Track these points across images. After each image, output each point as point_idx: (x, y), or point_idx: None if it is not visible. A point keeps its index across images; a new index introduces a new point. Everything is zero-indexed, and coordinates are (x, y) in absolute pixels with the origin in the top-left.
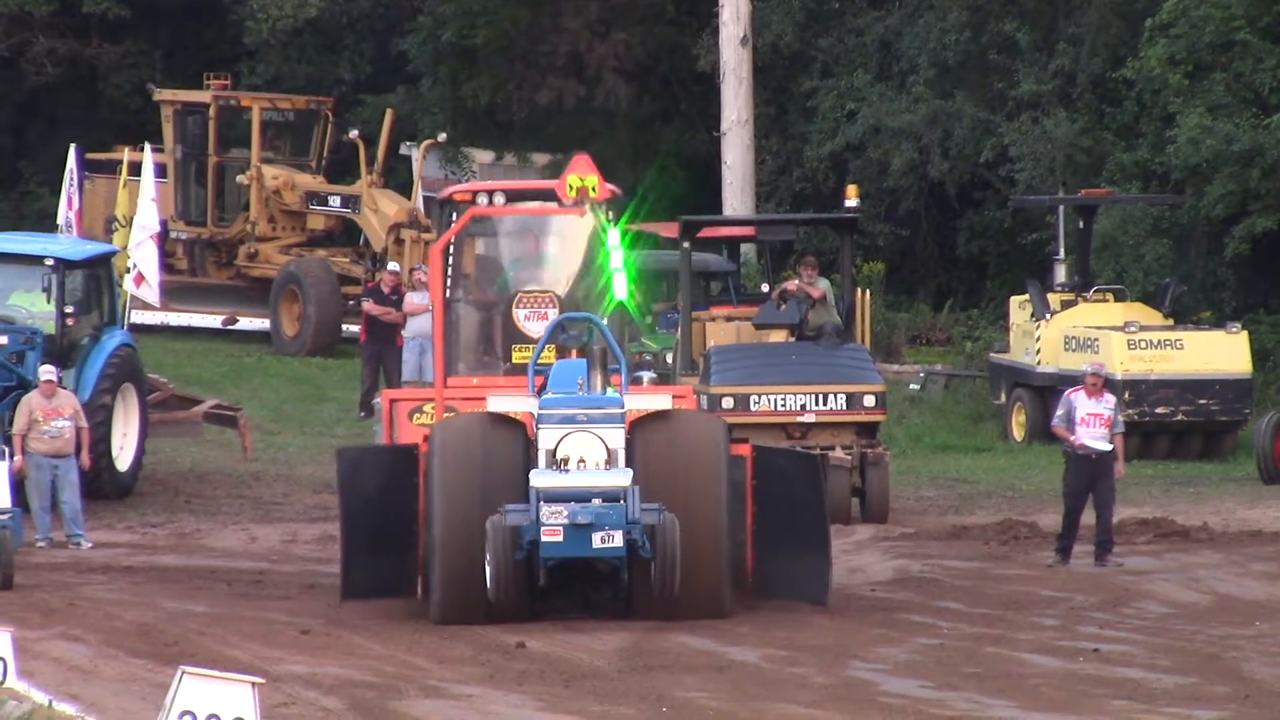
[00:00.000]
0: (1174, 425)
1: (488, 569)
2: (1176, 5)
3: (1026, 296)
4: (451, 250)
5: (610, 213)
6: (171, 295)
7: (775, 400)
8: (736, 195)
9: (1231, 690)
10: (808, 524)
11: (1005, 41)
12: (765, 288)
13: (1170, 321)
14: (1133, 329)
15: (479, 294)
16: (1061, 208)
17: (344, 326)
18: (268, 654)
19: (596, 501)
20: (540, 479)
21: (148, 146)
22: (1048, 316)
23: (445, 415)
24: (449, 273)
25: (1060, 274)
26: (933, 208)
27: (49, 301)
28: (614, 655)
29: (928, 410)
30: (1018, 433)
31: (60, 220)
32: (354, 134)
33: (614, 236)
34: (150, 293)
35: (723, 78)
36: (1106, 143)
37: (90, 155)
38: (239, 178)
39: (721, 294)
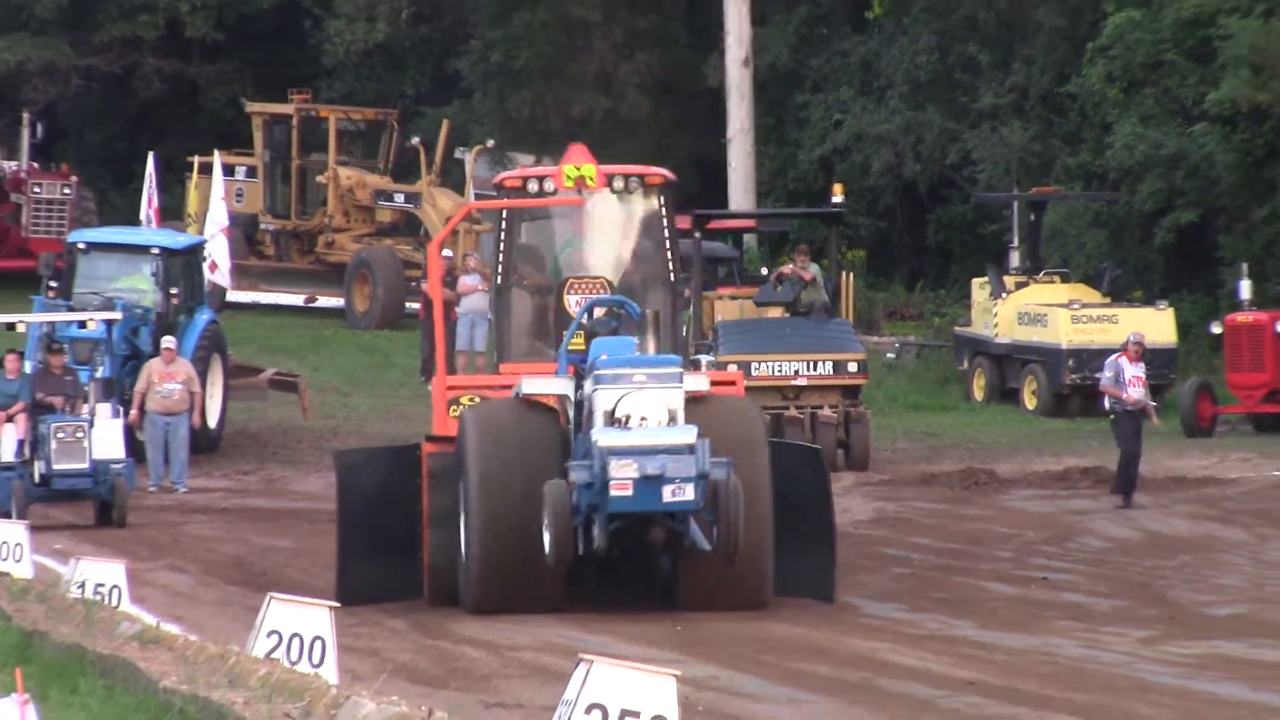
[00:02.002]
0: None
1: (546, 534)
2: (1114, 30)
3: (986, 279)
4: (502, 239)
5: (663, 198)
6: (260, 278)
7: (773, 367)
8: (740, 193)
9: (1159, 612)
10: (814, 519)
11: (968, 62)
12: (764, 271)
13: (1108, 300)
14: (1076, 306)
15: (531, 280)
16: (1016, 204)
17: (406, 304)
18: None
19: (661, 457)
20: (604, 436)
21: (216, 153)
22: (1004, 295)
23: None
24: (500, 261)
25: (1014, 260)
26: (906, 203)
27: (155, 285)
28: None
29: (902, 375)
30: (978, 394)
31: (141, 217)
32: (415, 141)
33: (673, 221)
34: (223, 278)
35: (728, 93)
36: (1054, 148)
37: (190, 159)
38: (318, 178)
39: (727, 277)
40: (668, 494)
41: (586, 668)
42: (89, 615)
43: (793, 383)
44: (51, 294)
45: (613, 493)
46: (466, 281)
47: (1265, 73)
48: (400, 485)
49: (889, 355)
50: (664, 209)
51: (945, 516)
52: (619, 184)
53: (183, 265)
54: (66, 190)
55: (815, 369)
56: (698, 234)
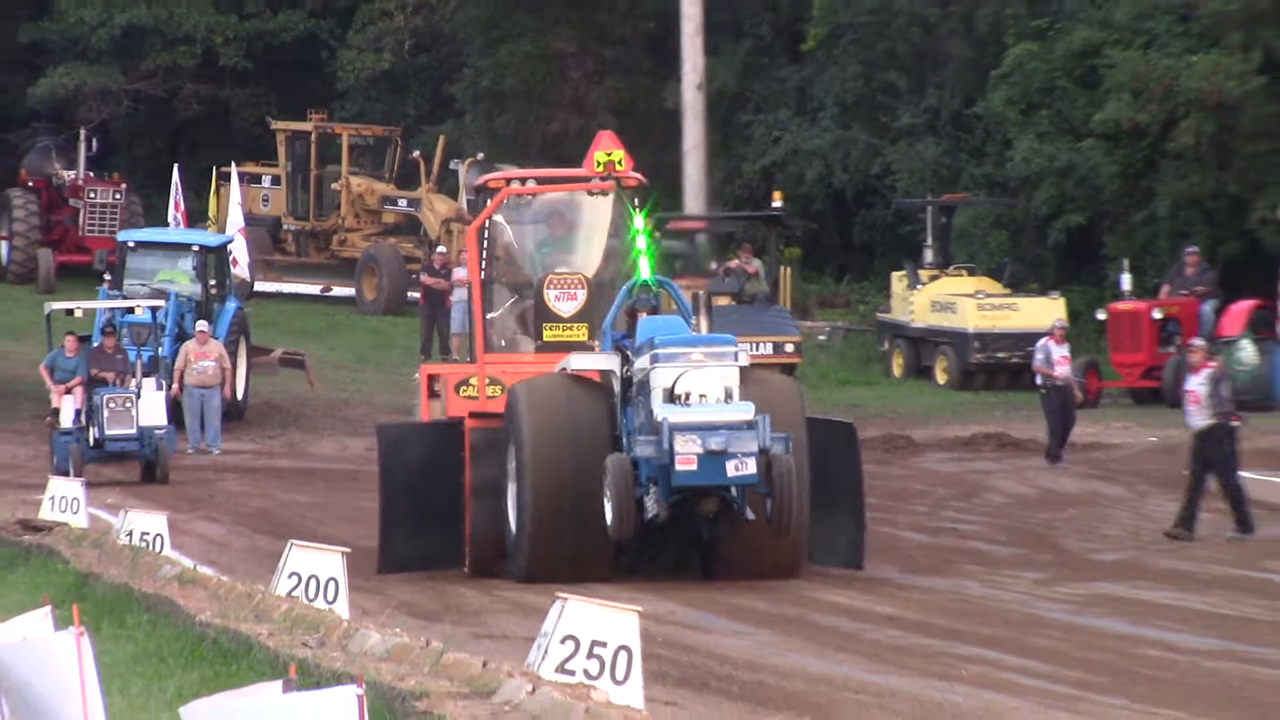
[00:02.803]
0: (1011, 365)
1: (608, 505)
2: (1013, 60)
3: (904, 272)
4: (486, 234)
5: (635, 200)
6: (283, 270)
7: None
8: (694, 199)
9: (1051, 558)
10: (843, 490)
11: (889, 87)
12: (714, 265)
13: (1008, 290)
14: (981, 296)
15: (511, 276)
16: (930, 208)
17: (408, 293)
18: (354, 531)
19: (722, 432)
20: (667, 412)
21: (234, 166)
22: (919, 287)
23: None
24: (484, 255)
25: (928, 256)
26: (836, 208)
27: (194, 277)
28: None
29: (832, 355)
30: (897, 371)
31: (169, 220)
32: (416, 154)
33: (638, 222)
34: (244, 271)
35: (684, 114)
36: (962, 160)
37: (223, 169)
38: (333, 185)
39: (682, 269)
40: (731, 468)
41: (561, 604)
42: (135, 559)
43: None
44: (107, 285)
45: (678, 467)
46: (460, 274)
47: (1143, 96)
48: (442, 458)
49: (820, 338)
50: (630, 209)
51: (869, 476)
52: (598, 185)
53: (216, 260)
54: (117, 196)
55: (757, 349)
56: (657, 234)
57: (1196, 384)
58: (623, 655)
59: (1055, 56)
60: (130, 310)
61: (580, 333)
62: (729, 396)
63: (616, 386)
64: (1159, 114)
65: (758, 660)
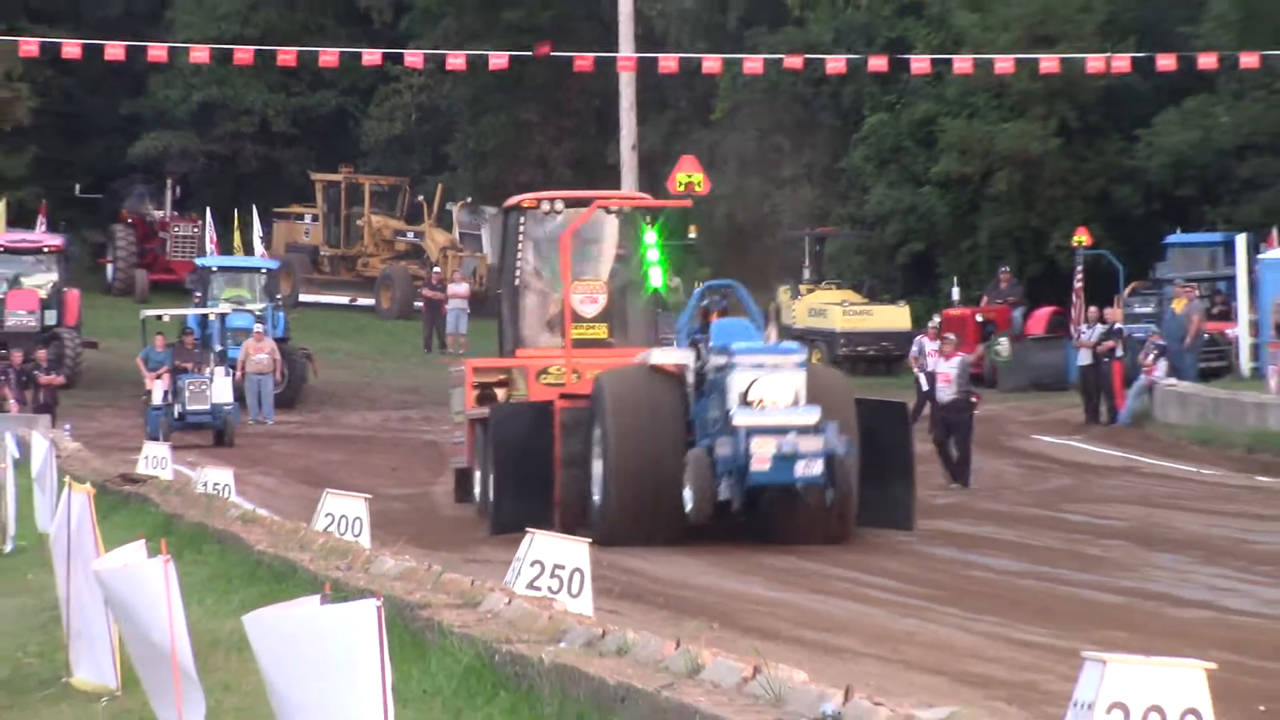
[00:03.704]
0: (869, 357)
1: (687, 494)
2: (870, 127)
3: (788, 286)
4: (519, 245)
5: (649, 217)
6: (321, 286)
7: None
8: None
9: None
10: (896, 462)
11: (777, 146)
12: None
13: (866, 300)
14: (846, 305)
15: (538, 281)
16: (808, 238)
17: (414, 303)
18: (374, 481)
19: (792, 435)
20: (743, 417)
21: (254, 208)
22: (799, 297)
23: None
24: (518, 265)
25: (807, 274)
26: (737, 238)
27: (258, 293)
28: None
29: None
30: None
31: (207, 249)
32: (420, 198)
33: (651, 236)
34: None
35: (622, 168)
36: (832, 202)
37: (276, 209)
38: (358, 222)
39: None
40: (800, 469)
41: (531, 537)
42: (209, 504)
43: None
44: (196, 300)
45: (753, 467)
46: (453, 288)
47: (968, 154)
48: (539, 435)
49: None
50: (643, 225)
51: None
52: (616, 206)
53: (270, 280)
54: (195, 230)
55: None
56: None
57: (948, 367)
58: (577, 575)
59: (902, 124)
60: (206, 317)
61: (601, 331)
62: (796, 400)
63: (690, 379)
64: (980, 167)
65: (683, 581)
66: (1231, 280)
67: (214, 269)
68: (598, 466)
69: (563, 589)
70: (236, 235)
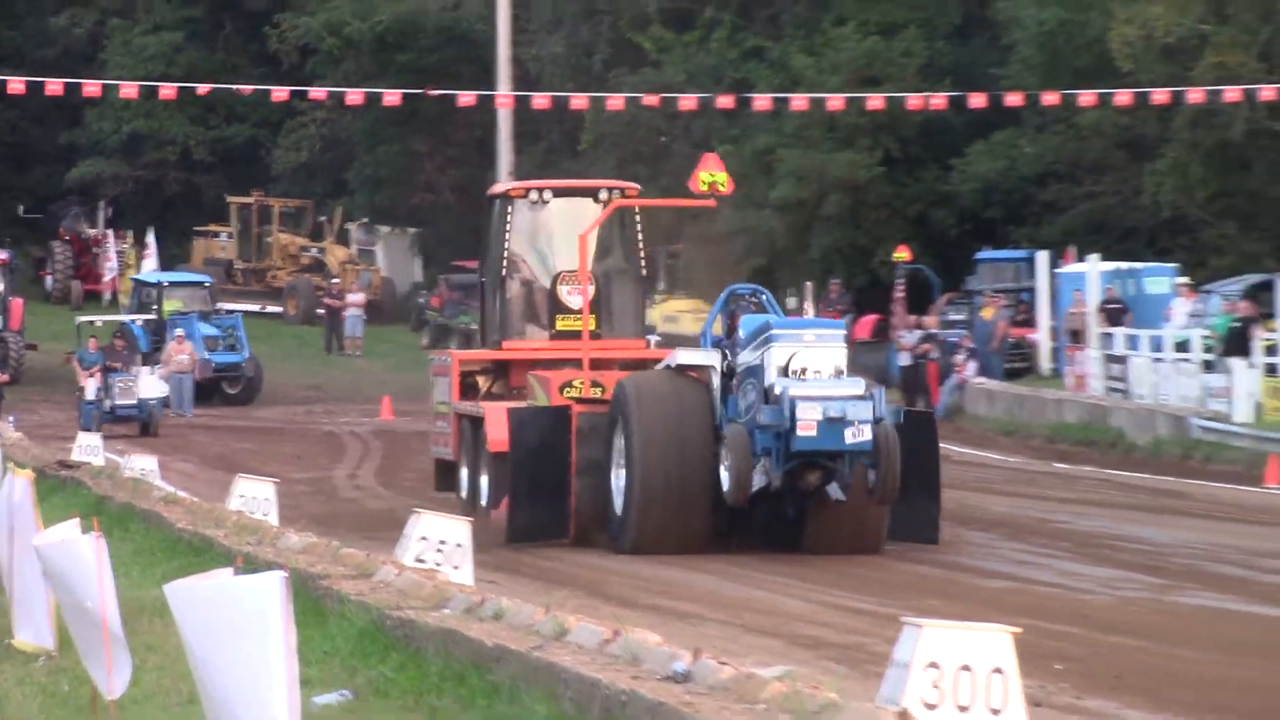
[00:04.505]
0: None
1: (725, 472)
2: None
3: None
4: (506, 237)
5: (639, 211)
6: (234, 296)
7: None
8: None
9: None
10: (923, 474)
11: (635, 175)
12: None
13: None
14: (697, 313)
15: (524, 273)
16: (663, 253)
17: (316, 310)
18: (283, 469)
19: (839, 401)
20: (788, 384)
21: (150, 229)
22: (654, 305)
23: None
24: (505, 255)
25: (662, 284)
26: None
27: (202, 303)
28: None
29: None
30: None
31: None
32: (323, 219)
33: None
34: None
35: None
36: (686, 221)
37: (196, 228)
38: (268, 239)
39: None
40: (849, 435)
41: (418, 516)
42: (136, 487)
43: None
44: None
45: (799, 433)
46: (350, 298)
47: (803, 180)
48: (556, 440)
49: None
50: (636, 216)
51: None
52: (603, 194)
53: (211, 292)
54: (125, 246)
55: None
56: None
57: None
58: (459, 550)
59: (746, 153)
60: (133, 321)
61: (589, 323)
62: (838, 374)
63: (716, 381)
64: (814, 192)
65: (557, 556)
66: (1033, 291)
67: (165, 284)
68: (620, 475)
69: (446, 562)
70: (131, 251)
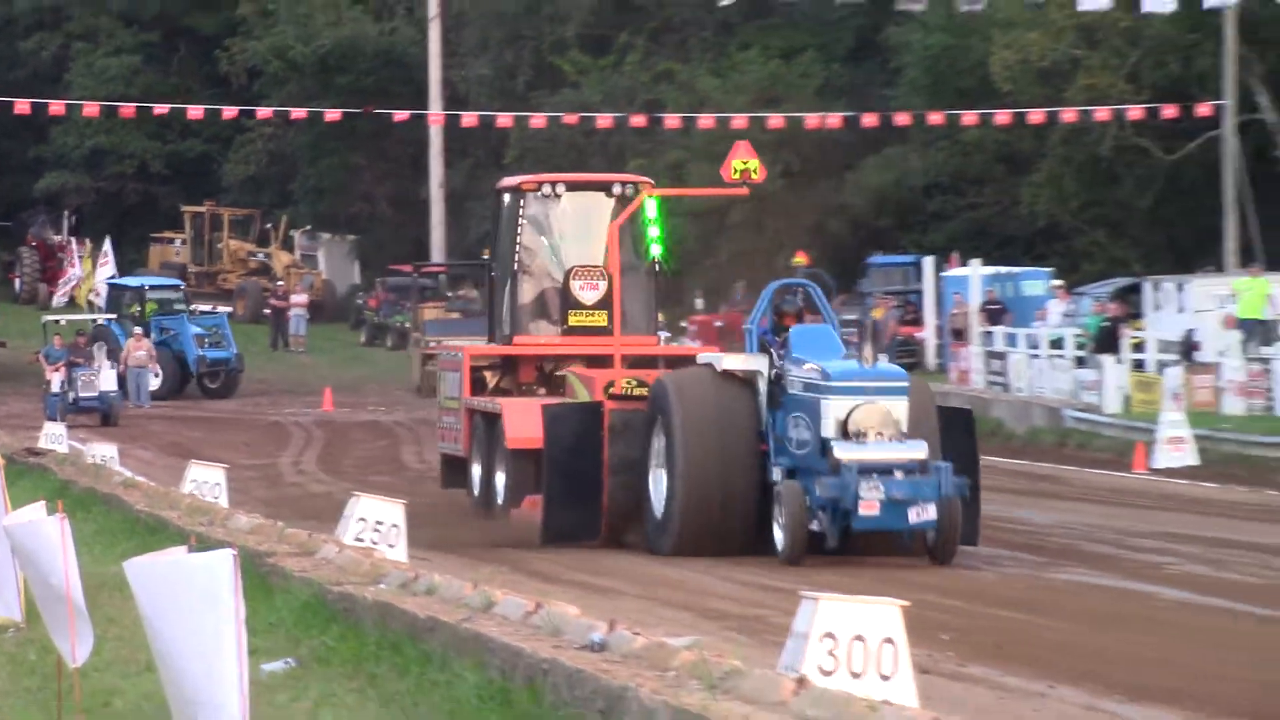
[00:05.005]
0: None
1: (779, 532)
2: (633, 169)
3: None
4: (520, 231)
5: (650, 203)
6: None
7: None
8: (438, 253)
9: None
10: (961, 472)
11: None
12: (449, 294)
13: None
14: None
15: (535, 267)
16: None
17: (263, 310)
18: (233, 456)
19: (899, 474)
20: (845, 451)
21: (107, 238)
22: None
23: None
24: (516, 251)
25: None
26: None
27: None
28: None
29: None
30: None
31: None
32: (269, 226)
33: (652, 208)
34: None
35: (431, 205)
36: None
37: (153, 235)
38: (219, 245)
39: (430, 295)
40: (913, 515)
41: (357, 498)
42: (97, 473)
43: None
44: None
45: (861, 512)
46: (295, 299)
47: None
48: (589, 437)
49: None
50: (643, 208)
51: None
52: (618, 189)
53: (184, 295)
54: (84, 253)
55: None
56: (416, 274)
57: None
58: (395, 530)
59: (658, 168)
60: (95, 322)
61: (601, 318)
62: (899, 431)
63: (762, 385)
64: (722, 202)
65: (488, 538)
66: (920, 293)
67: (146, 287)
68: (660, 476)
69: (383, 541)
70: (87, 259)
